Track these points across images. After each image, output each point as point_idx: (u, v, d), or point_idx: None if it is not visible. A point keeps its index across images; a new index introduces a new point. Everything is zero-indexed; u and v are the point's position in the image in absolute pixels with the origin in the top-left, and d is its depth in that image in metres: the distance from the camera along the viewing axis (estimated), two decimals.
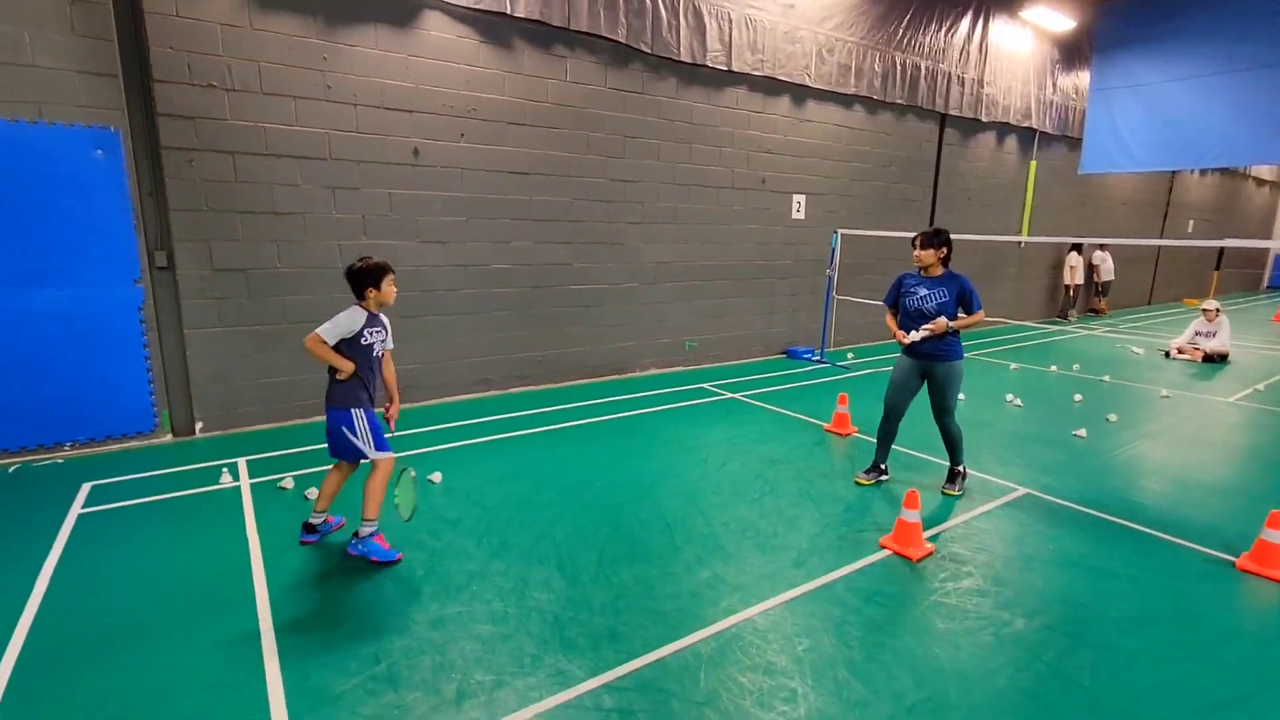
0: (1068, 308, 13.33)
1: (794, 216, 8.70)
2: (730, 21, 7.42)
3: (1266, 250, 21.38)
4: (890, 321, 4.38)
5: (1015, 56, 10.86)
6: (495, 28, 6.02)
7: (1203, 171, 16.76)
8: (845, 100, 8.83)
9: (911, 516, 3.50)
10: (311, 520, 3.47)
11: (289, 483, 4.18)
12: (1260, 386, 7.61)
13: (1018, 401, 6.62)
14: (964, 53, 9.99)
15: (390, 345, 3.56)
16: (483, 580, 3.12)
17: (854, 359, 8.82)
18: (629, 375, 7.57)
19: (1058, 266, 13.37)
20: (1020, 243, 12.05)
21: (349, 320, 3.21)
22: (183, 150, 4.93)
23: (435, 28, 5.74)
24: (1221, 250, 17.42)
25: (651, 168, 7.29)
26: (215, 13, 4.88)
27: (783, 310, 8.91)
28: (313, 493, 4.04)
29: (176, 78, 4.84)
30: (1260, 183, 20.09)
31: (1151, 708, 2.42)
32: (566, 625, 2.78)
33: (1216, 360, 8.94)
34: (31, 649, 2.60)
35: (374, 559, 3.26)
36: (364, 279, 3.29)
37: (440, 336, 6.24)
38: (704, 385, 7.17)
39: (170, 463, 4.63)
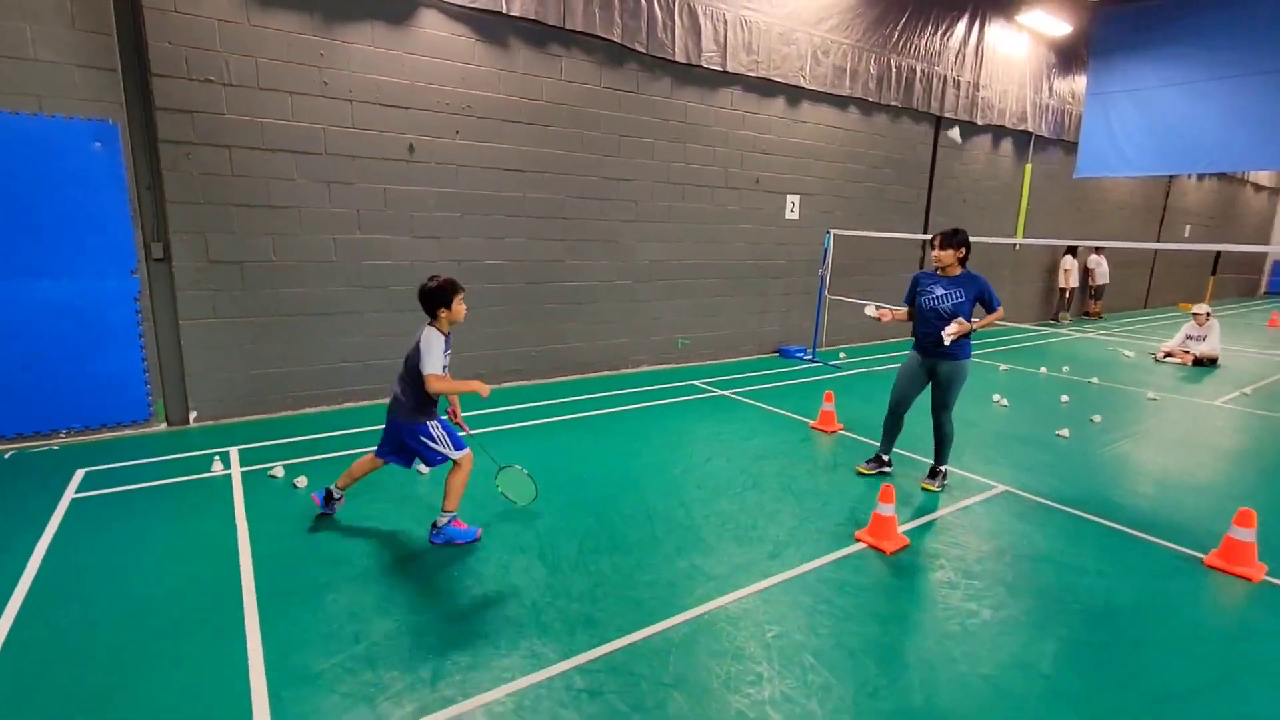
0: (1061, 310, 13.40)
1: (788, 216, 8.76)
2: (725, 22, 7.49)
3: (1264, 256, 21.43)
4: (899, 312, 4.44)
5: (1011, 60, 10.91)
6: (491, 26, 6.09)
7: (1200, 176, 16.80)
8: (840, 102, 8.89)
9: (886, 510, 3.57)
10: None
11: (279, 471, 4.26)
12: (1247, 390, 7.68)
13: (1004, 402, 6.69)
14: (960, 56, 10.05)
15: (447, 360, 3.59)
16: (463, 567, 3.19)
17: (845, 358, 8.89)
18: (621, 372, 7.64)
19: (1053, 269, 13.43)
20: (1015, 245, 12.11)
21: (440, 345, 3.30)
22: (180, 144, 5.00)
23: (431, 25, 5.81)
24: (1218, 255, 17.47)
25: (646, 167, 7.36)
26: (214, 8, 4.95)
27: (776, 309, 8.98)
28: (302, 481, 4.12)
29: (175, 72, 4.91)
30: (1259, 188, 20.13)
31: (1108, 698, 2.49)
32: (543, 611, 2.86)
33: (1206, 364, 9.00)
34: (19, 630, 2.67)
35: (458, 542, 3.43)
36: (437, 299, 3.35)
37: None
38: (695, 382, 7.24)
39: (163, 451, 4.71)
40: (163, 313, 5.16)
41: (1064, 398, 6.97)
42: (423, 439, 3.40)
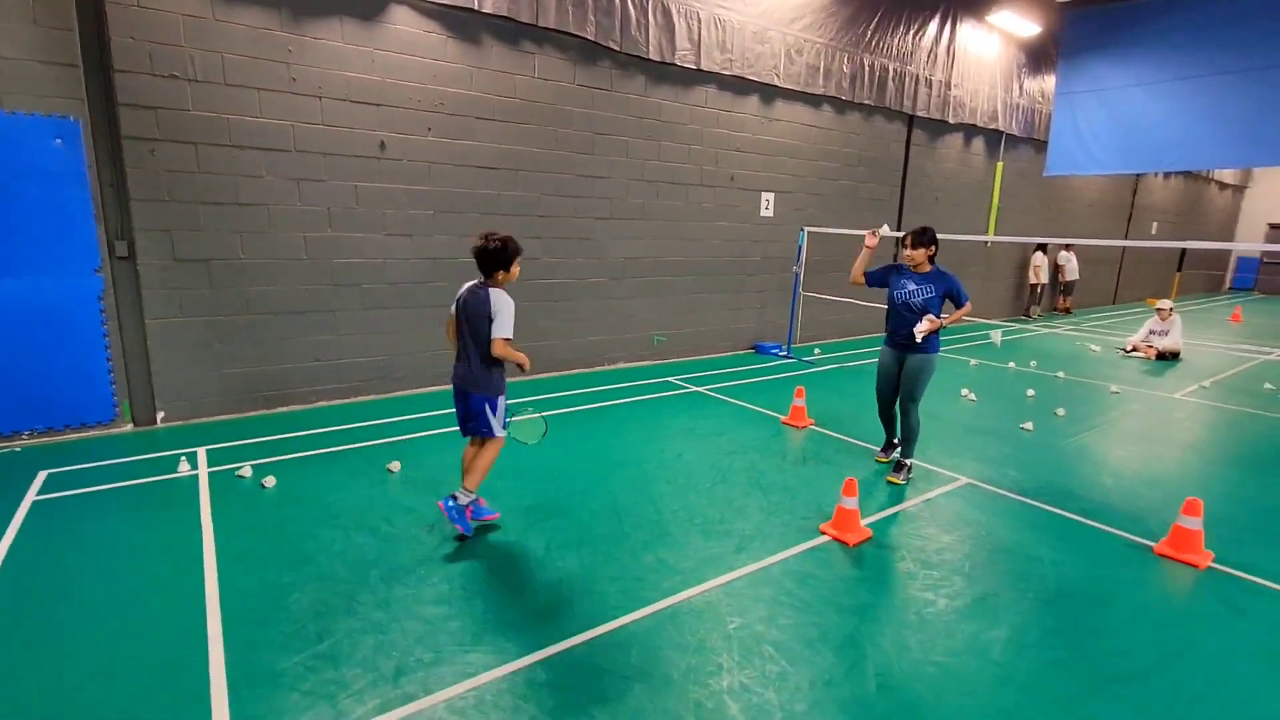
0: (1032, 306, 13.66)
1: (763, 214, 8.84)
2: (699, 21, 7.52)
3: (1228, 252, 21.99)
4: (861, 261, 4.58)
5: (982, 60, 11.09)
6: (462, 23, 6.07)
7: (1166, 175, 17.20)
8: (814, 100, 8.98)
9: (850, 504, 3.65)
10: (460, 498, 3.41)
11: (247, 471, 4.23)
12: (1206, 383, 7.91)
13: (972, 396, 6.83)
14: (932, 55, 10.19)
15: None
16: (431, 565, 3.21)
17: (820, 354, 9.00)
18: (597, 369, 7.67)
19: (1024, 266, 13.68)
20: (987, 242, 12.32)
21: (511, 305, 3.22)
22: (144, 140, 4.93)
23: (401, 22, 5.77)
24: (1183, 252, 17.92)
25: (620, 164, 7.38)
26: (177, 3, 4.87)
27: (751, 306, 9.06)
28: (270, 480, 4.09)
29: (138, 68, 4.83)
30: (1223, 186, 20.66)
31: (1055, 681, 2.58)
32: (509, 607, 2.89)
33: (1169, 358, 9.25)
34: None
35: (461, 528, 3.40)
36: (498, 259, 3.26)
37: (408, 329, 6.29)
38: (670, 379, 7.30)
39: (129, 451, 4.65)
40: (128, 311, 5.08)
41: (1030, 392, 7.13)
42: (487, 410, 3.35)
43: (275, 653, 2.54)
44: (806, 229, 8.54)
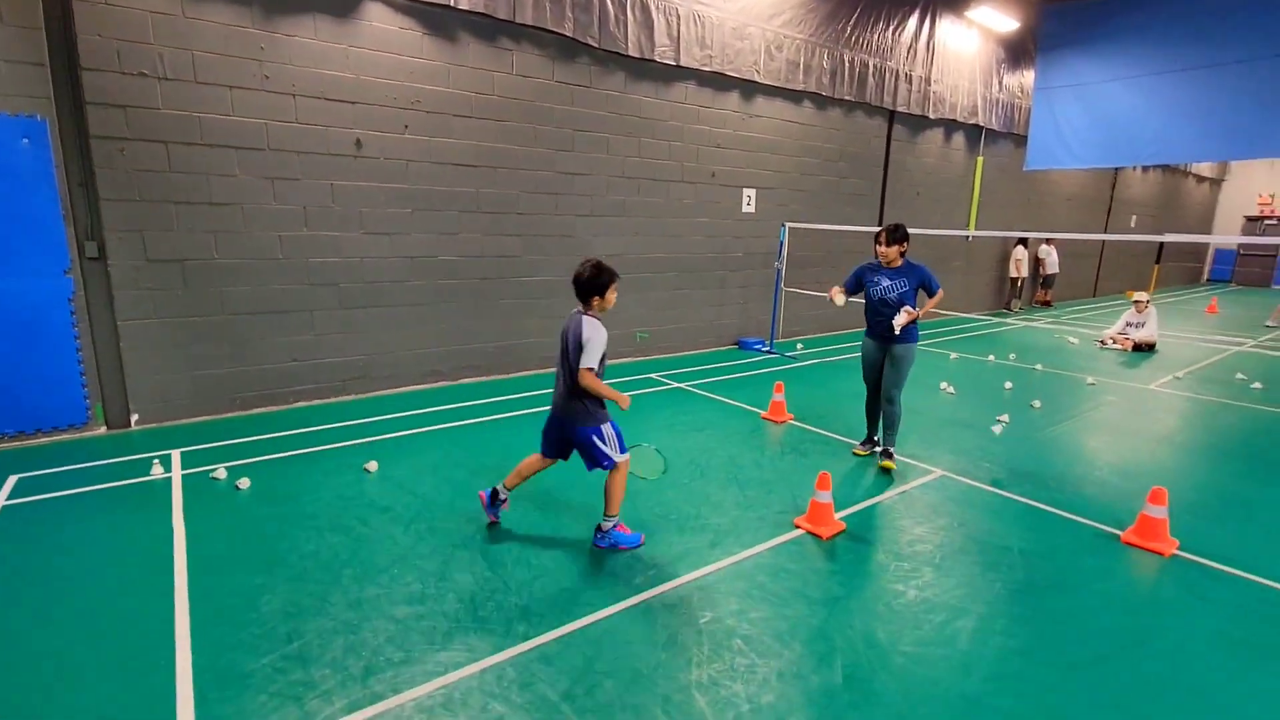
0: (1013, 299, 13.80)
1: (744, 210, 8.86)
2: (678, 17, 7.52)
3: (1206, 245, 22.31)
4: (837, 291, 4.75)
5: (962, 55, 11.16)
6: (438, 20, 6.03)
7: (1144, 168, 17.42)
8: (794, 96, 9.01)
9: (824, 497, 3.68)
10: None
11: (221, 473, 4.20)
12: (1180, 374, 8.04)
13: (951, 389, 6.90)
14: (911, 51, 10.25)
15: None
16: (405, 564, 3.21)
17: (803, 349, 9.05)
18: None
19: (1004, 260, 13.81)
20: (968, 237, 12.43)
21: (602, 336, 3.16)
22: (113, 139, 4.87)
23: (376, 19, 5.73)
24: (1161, 245, 18.15)
25: (601, 161, 7.38)
26: (146, 1, 4.81)
27: (734, 302, 9.09)
28: (244, 483, 4.07)
29: (106, 66, 4.77)
30: (1200, 179, 20.95)
31: (1017, 668, 2.63)
32: (482, 605, 2.90)
33: (1145, 349, 9.39)
34: None
35: (622, 547, 3.40)
36: (593, 287, 3.22)
37: (387, 328, 6.26)
38: (652, 375, 7.31)
39: (102, 455, 4.60)
40: (100, 313, 5.02)
41: (1008, 384, 7.22)
42: (595, 441, 3.28)
43: (244, 654, 2.53)
44: (788, 225, 8.58)
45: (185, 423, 5.35)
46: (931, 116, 10.87)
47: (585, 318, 3.23)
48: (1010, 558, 3.49)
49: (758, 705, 2.36)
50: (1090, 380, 7.55)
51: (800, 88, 8.89)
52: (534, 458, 3.58)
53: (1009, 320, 12.39)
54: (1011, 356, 8.80)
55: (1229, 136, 9.50)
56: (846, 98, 9.52)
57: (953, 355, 8.86)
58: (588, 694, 2.38)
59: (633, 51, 7.24)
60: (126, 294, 5.05)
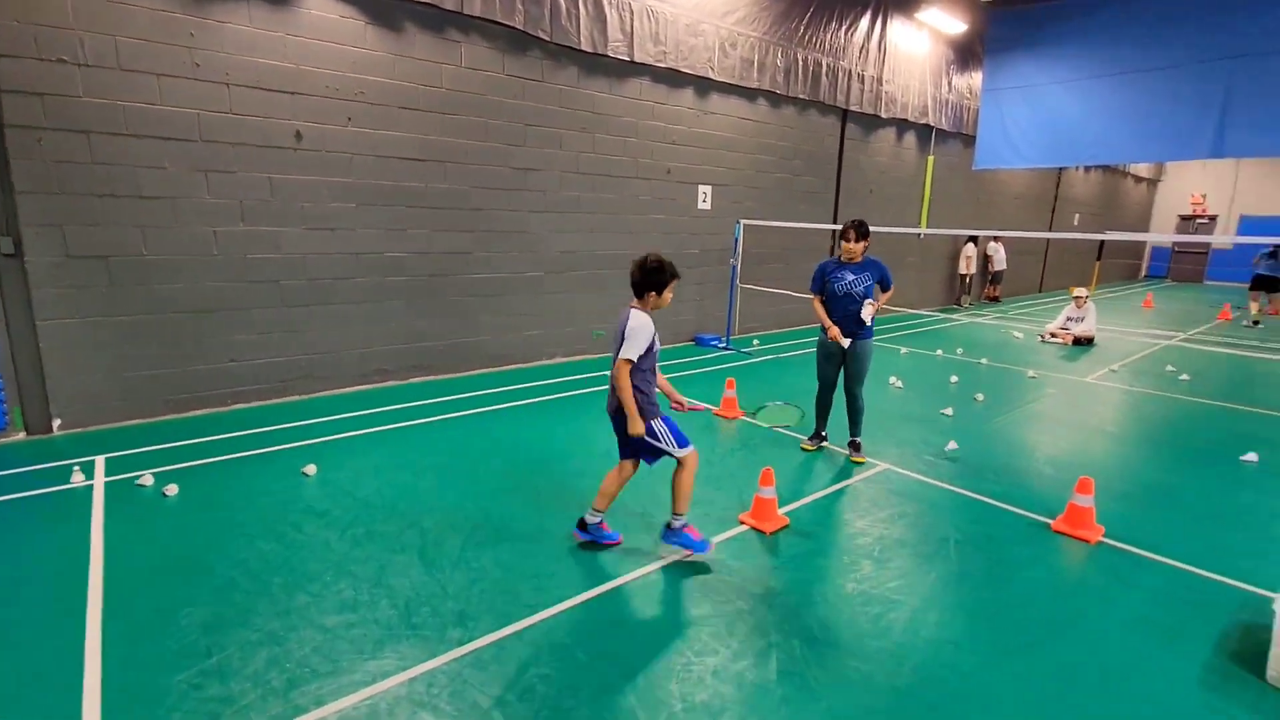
0: (962, 295, 14.20)
1: (700, 207, 8.89)
2: (631, 12, 7.48)
3: (1143, 243, 23.32)
4: (821, 313, 4.79)
5: (913, 56, 11.39)
6: (382, 9, 5.86)
7: (1086, 169, 18.10)
8: (749, 94, 9.06)
9: (767, 493, 3.71)
10: (587, 518, 3.35)
11: (148, 480, 4.02)
12: (1115, 367, 8.38)
13: (899, 384, 7.05)
14: (864, 51, 10.41)
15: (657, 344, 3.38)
16: (338, 570, 3.12)
17: (759, 345, 9.14)
18: (535, 364, 7.59)
19: (954, 257, 14.19)
20: (920, 234, 12.71)
21: (647, 332, 3.07)
22: (30, 129, 4.60)
23: (315, 6, 5.53)
24: (1102, 243, 18.90)
25: (554, 156, 7.29)
26: None
27: (690, 299, 9.11)
28: (172, 489, 3.90)
29: (22, 52, 4.50)
30: (1138, 180, 21.88)
31: (947, 658, 2.69)
32: (416, 611, 2.83)
33: (1084, 343, 9.76)
34: None
35: (688, 551, 3.30)
36: (650, 282, 3.13)
37: (332, 327, 6.08)
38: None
39: (19, 462, 4.35)
40: (16, 312, 4.74)
41: (953, 378, 7.41)
42: (647, 439, 3.20)
43: (157, 671, 2.42)
44: (743, 222, 8.63)
45: (113, 427, 5.10)
46: (884, 116, 11.07)
47: (633, 310, 3.17)
48: (946, 549, 3.58)
49: (691, 704, 2.36)
50: (1031, 373, 7.81)
51: (755, 85, 8.95)
52: (613, 471, 3.44)
53: (958, 316, 12.73)
54: (959, 351, 9.04)
55: (1162, 138, 9.89)
56: (800, 96, 9.62)
57: (903, 350, 9.06)
58: (520, 699, 2.34)
59: (585, 46, 7.17)
60: (46, 292, 4.79)
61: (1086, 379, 7.73)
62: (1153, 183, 23.07)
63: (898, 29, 10.92)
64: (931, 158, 12.52)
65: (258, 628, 2.68)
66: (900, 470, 4.66)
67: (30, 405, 4.87)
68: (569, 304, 7.79)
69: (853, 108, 10.49)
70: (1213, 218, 21.95)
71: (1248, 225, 21.04)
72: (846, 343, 4.71)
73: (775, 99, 9.43)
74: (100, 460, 4.38)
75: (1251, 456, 5.08)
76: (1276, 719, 2.40)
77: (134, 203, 5.02)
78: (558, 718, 2.26)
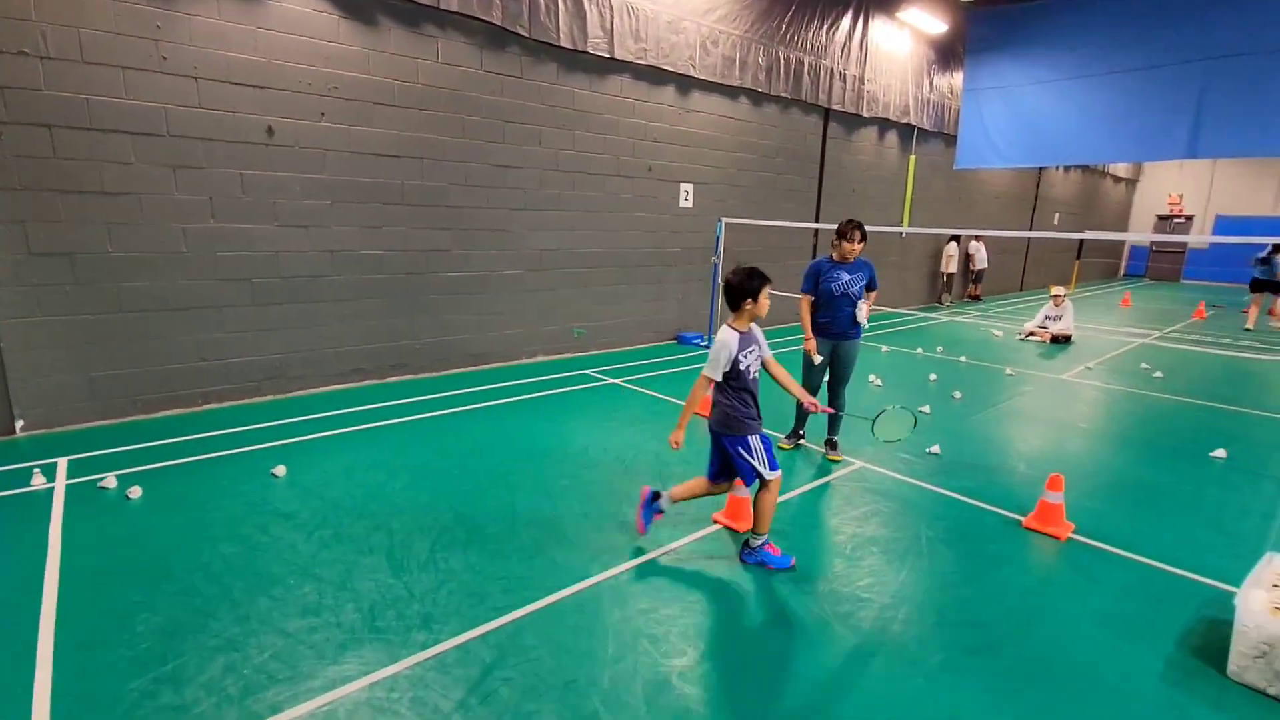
0: (944, 294, 14.31)
1: (682, 205, 8.87)
2: (611, 8, 7.43)
3: (1122, 242, 23.65)
4: (806, 319, 4.75)
5: (894, 56, 11.45)
6: (355, 3, 5.78)
7: (1066, 169, 18.30)
8: (731, 92, 9.05)
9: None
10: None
11: (111, 482, 3.93)
12: (1091, 365, 8.48)
13: (878, 382, 7.08)
14: (845, 50, 10.44)
15: (767, 354, 3.39)
16: (303, 574, 3.06)
17: None
18: (515, 363, 7.54)
19: (936, 256, 14.29)
20: (902, 233, 12.79)
21: (727, 348, 3.10)
22: None
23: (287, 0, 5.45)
24: (1082, 242, 19.15)
25: (533, 154, 7.24)
26: None
27: (673, 297, 9.10)
28: (135, 491, 3.81)
29: None
30: (1117, 179, 22.17)
31: (913, 655, 2.69)
32: (381, 614, 2.79)
33: (1062, 341, 9.86)
34: None
35: (770, 567, 3.27)
36: (739, 293, 3.17)
37: (306, 325, 6.00)
38: (588, 371, 7.25)
39: None
40: None
41: (932, 376, 7.46)
42: (741, 451, 3.19)
43: (111, 678, 2.36)
44: (724, 220, 8.63)
45: (79, 428, 5.00)
46: (865, 115, 11.11)
47: (725, 325, 3.23)
48: (918, 546, 3.59)
49: (655, 706, 2.34)
50: (1009, 371, 7.87)
51: (736, 83, 8.94)
52: (700, 481, 3.47)
53: (940, 314, 12.83)
54: (939, 350, 9.11)
55: (1138, 139, 10.00)
56: (782, 94, 9.63)
57: (884, 349, 9.10)
58: (482, 703, 2.31)
59: (565, 42, 7.12)
60: (7, 290, 4.67)
61: (1063, 376, 7.81)
62: (1131, 183, 23.39)
63: (879, 28, 10.96)
64: (913, 157, 12.60)
65: (216, 633, 2.62)
66: (876, 468, 4.67)
67: None
68: (550, 302, 7.74)
69: (835, 107, 10.52)
70: (1189, 218, 22.30)
71: (1223, 225, 21.40)
72: (819, 359, 4.74)
73: (757, 97, 9.43)
74: (63, 462, 4.28)
75: (1220, 453, 5.15)
76: (1237, 714, 2.43)
77: (99, 199, 4.91)
78: None
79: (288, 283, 5.84)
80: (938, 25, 11.59)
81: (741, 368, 3.17)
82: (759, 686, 2.47)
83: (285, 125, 5.60)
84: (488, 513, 3.77)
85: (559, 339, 7.95)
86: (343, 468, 4.33)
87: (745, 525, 3.66)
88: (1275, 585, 2.79)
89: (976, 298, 15.31)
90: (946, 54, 12.55)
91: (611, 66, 7.68)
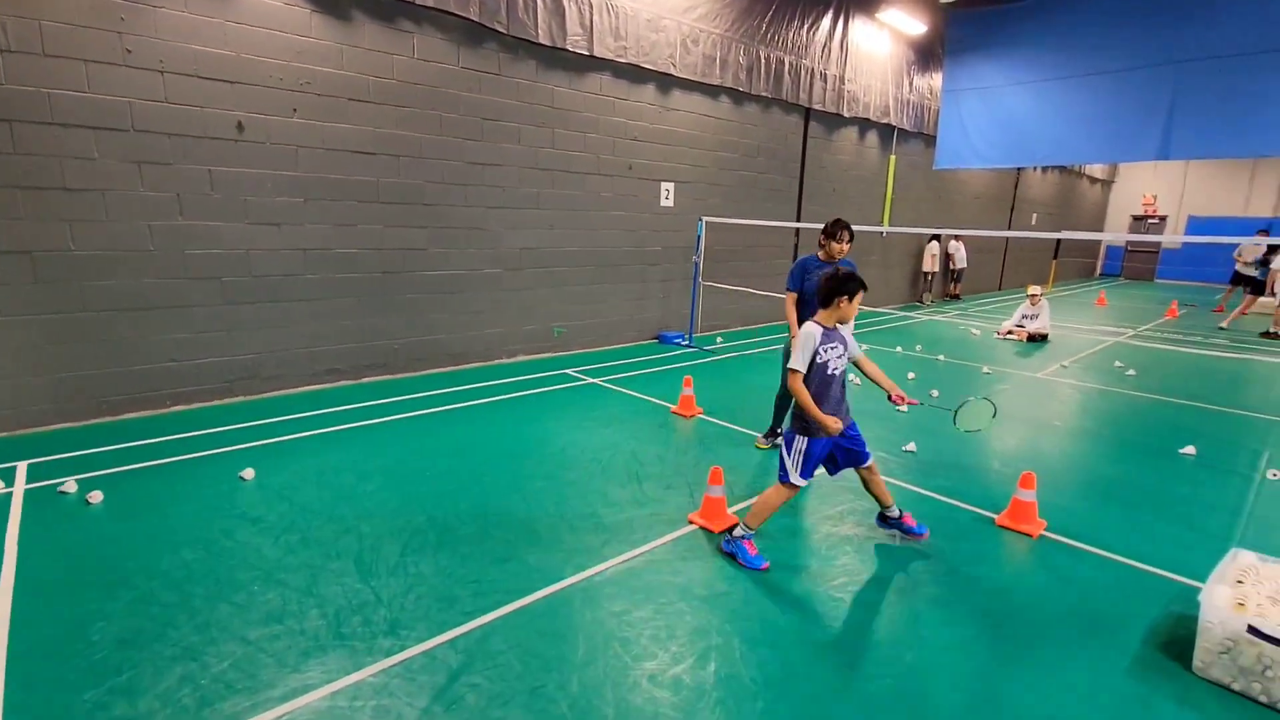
0: (925, 293, 14.44)
1: (663, 204, 8.85)
2: (591, 6, 7.39)
3: (1098, 241, 24.02)
4: (792, 316, 4.74)
5: (874, 56, 11.51)
6: None
7: (1043, 169, 18.54)
8: (711, 91, 9.04)
9: (716, 492, 3.69)
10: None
11: (71, 486, 3.82)
12: (1066, 363, 8.59)
13: (856, 380, 7.09)
14: (826, 50, 10.48)
15: (857, 353, 3.50)
16: (267, 579, 3.00)
17: (722, 342, 9.15)
18: (495, 362, 7.48)
19: (918, 255, 14.41)
20: (883, 233, 12.88)
21: (810, 341, 3.15)
22: None
23: None
24: (1059, 241, 19.42)
25: (512, 152, 7.18)
26: None
27: (654, 296, 9.08)
28: (96, 496, 3.71)
29: None
30: (1093, 180, 22.52)
31: (884, 654, 2.69)
32: (346, 620, 2.73)
33: (1039, 339, 9.98)
34: None
35: (740, 563, 3.28)
36: (831, 292, 3.21)
37: (279, 325, 5.89)
38: (568, 371, 7.20)
39: None
40: None
41: (911, 374, 7.50)
42: (783, 446, 3.27)
43: (63, 690, 2.29)
44: (705, 219, 8.62)
45: (42, 431, 4.86)
46: (846, 115, 11.16)
47: (810, 321, 3.26)
48: (891, 544, 3.60)
49: (625, 709, 2.31)
50: (986, 369, 7.95)
51: (717, 82, 8.93)
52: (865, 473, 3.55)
53: (920, 313, 12.93)
54: (918, 348, 9.17)
55: (1112, 140, 10.13)
56: (763, 94, 9.64)
57: (864, 347, 9.09)
58: (447, 710, 2.27)
59: (543, 39, 7.06)
60: None
61: (1038, 374, 7.90)
62: (1107, 184, 23.76)
63: (859, 29, 11.01)
64: (893, 157, 12.69)
65: (174, 642, 2.55)
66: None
67: None
68: (529, 301, 7.68)
69: (815, 106, 10.55)
70: (1163, 218, 22.71)
71: (1195, 225, 21.81)
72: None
73: (738, 96, 9.43)
74: (22, 466, 4.16)
75: (1190, 450, 5.23)
76: (1202, 710, 2.45)
77: (60, 195, 4.78)
78: None
79: (260, 281, 5.73)
80: (917, 26, 11.67)
81: (820, 361, 3.19)
82: (729, 689, 2.45)
83: (256, 121, 5.49)
84: (460, 515, 3.71)
85: (539, 338, 7.90)
86: (314, 470, 4.25)
87: (719, 525, 3.64)
88: (1240, 581, 2.83)
89: (956, 296, 15.46)
90: (926, 55, 12.65)
91: (591, 64, 7.64)
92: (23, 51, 4.53)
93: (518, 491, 4.06)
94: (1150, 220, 22.92)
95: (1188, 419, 6.22)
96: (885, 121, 12.09)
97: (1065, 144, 10.81)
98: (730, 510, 3.80)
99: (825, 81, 10.58)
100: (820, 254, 4.72)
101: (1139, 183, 23.28)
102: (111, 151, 4.91)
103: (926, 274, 14.27)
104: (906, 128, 12.64)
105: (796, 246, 11.06)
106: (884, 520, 3.70)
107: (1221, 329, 12.12)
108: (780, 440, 4.96)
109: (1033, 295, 10.22)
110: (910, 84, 12.48)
